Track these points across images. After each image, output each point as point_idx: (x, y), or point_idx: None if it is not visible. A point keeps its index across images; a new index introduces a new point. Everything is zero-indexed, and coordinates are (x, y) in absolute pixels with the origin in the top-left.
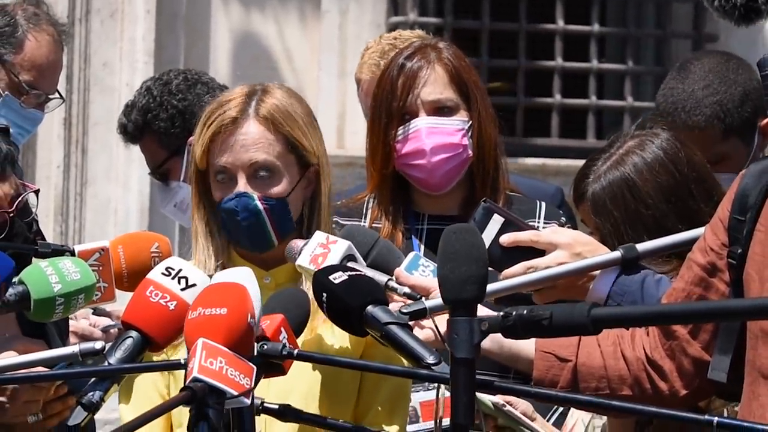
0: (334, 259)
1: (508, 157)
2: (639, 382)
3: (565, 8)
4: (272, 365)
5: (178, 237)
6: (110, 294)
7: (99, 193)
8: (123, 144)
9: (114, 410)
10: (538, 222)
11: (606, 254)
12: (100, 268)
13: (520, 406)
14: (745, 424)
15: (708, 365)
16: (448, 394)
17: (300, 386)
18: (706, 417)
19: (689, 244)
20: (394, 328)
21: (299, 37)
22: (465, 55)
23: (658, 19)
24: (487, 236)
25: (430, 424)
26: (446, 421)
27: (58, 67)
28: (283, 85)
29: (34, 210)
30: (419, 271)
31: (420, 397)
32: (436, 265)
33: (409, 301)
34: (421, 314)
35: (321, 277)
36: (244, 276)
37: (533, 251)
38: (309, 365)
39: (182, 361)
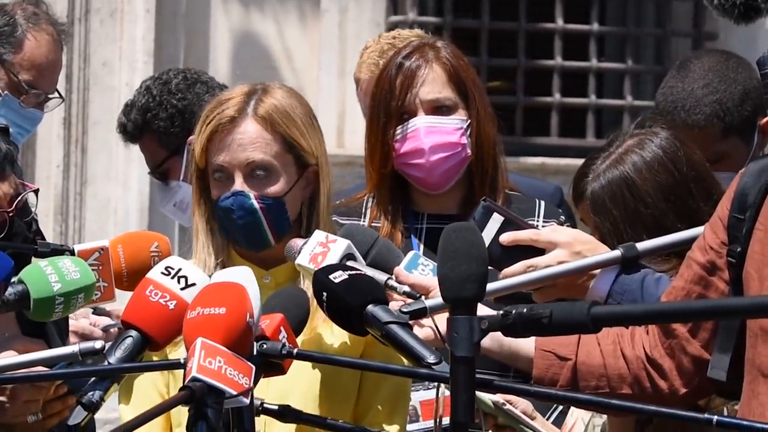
0: (333, 258)
1: (507, 156)
2: (639, 381)
3: (564, 7)
4: (272, 364)
5: (178, 236)
6: (110, 293)
7: (99, 193)
8: (123, 143)
9: (114, 410)
10: (537, 221)
11: (606, 253)
12: (100, 267)
13: (520, 405)
14: (745, 422)
15: (707, 364)
16: (448, 393)
17: (300, 386)
18: (706, 416)
19: (689, 243)
20: (395, 328)
21: (299, 36)
22: (464, 55)
23: (658, 18)
24: (487, 235)
25: (430, 423)
26: (446, 420)
27: (58, 66)
28: (284, 85)
29: (33, 209)
30: (419, 270)
31: (420, 396)
32: (435, 264)
33: (409, 300)
34: (421, 314)
35: (321, 277)
36: (243, 275)
37: (533, 250)
38: (309, 364)
39: (182, 361)
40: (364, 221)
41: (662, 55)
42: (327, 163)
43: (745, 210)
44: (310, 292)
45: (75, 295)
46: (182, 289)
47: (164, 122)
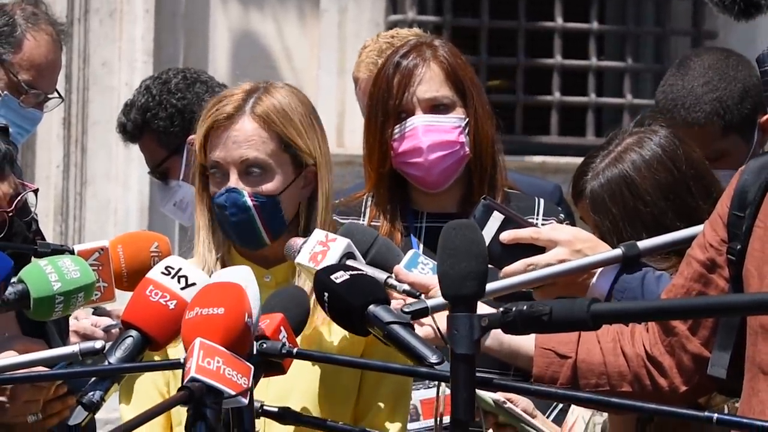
0: (333, 256)
1: (507, 155)
2: (639, 379)
3: (564, 6)
4: (272, 364)
5: (178, 236)
6: (110, 293)
7: (98, 193)
8: (122, 143)
9: (115, 410)
10: (537, 219)
11: (607, 252)
12: (100, 267)
13: (520, 404)
14: (745, 420)
15: (708, 361)
16: (448, 391)
17: (300, 385)
18: (706, 414)
19: (690, 241)
20: (397, 328)
21: (298, 35)
22: (464, 54)
23: (657, 17)
24: (488, 233)
25: (431, 422)
26: (447, 419)
27: (57, 66)
28: (288, 85)
29: (33, 209)
30: (418, 269)
31: (420, 395)
32: (435, 262)
33: (409, 299)
34: (423, 313)
35: (322, 277)
36: (243, 275)
37: (533, 248)
38: (309, 364)
39: (182, 360)
40: (363, 220)
41: (662, 54)
42: (327, 164)
43: (745, 207)
44: (308, 290)
45: (75, 295)
46: (182, 288)
47: (164, 122)
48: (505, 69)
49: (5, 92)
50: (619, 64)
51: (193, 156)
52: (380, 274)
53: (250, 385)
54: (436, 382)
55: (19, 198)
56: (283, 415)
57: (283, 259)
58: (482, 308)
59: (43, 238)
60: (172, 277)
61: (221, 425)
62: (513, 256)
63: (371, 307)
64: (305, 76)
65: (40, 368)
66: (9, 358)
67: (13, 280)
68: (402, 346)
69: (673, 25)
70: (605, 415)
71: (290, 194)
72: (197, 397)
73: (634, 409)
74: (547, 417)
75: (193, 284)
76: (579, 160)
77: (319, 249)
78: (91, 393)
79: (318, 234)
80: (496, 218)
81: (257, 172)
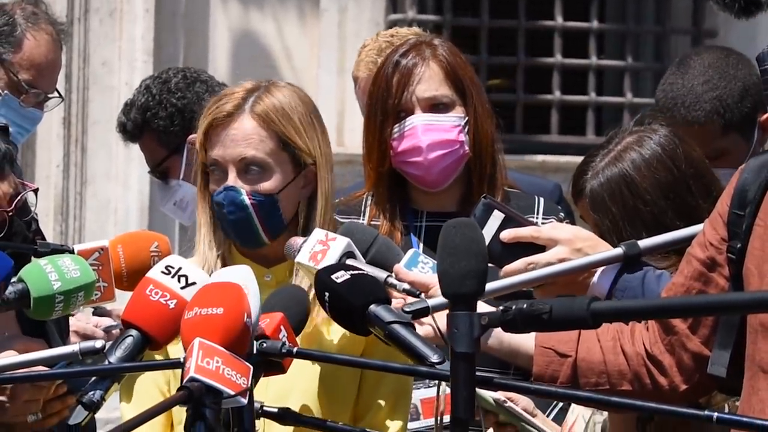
0: (333, 255)
1: (507, 154)
2: (639, 377)
3: (563, 5)
4: (272, 363)
5: (178, 235)
6: (110, 293)
7: (99, 192)
8: (122, 143)
9: (115, 409)
10: (537, 218)
11: (607, 251)
12: (100, 267)
13: (521, 403)
14: (745, 419)
15: (708, 360)
16: (449, 391)
17: (300, 384)
18: (706, 413)
19: (690, 240)
20: (398, 327)
21: (298, 35)
22: (464, 53)
23: (657, 15)
24: (488, 232)
25: (431, 421)
26: (447, 418)
27: (57, 66)
28: (290, 84)
29: (33, 209)
30: (418, 268)
31: (420, 394)
32: (435, 261)
33: (409, 298)
34: (423, 313)
35: (323, 277)
36: (243, 275)
37: (534, 247)
38: (309, 363)
39: (182, 360)
40: (363, 219)
41: (662, 53)
42: (327, 163)
43: (745, 206)
44: (304, 285)
45: (75, 294)
46: (182, 288)
47: (164, 121)
48: (505, 68)
49: (5, 92)
50: (619, 63)
51: (194, 155)
52: (380, 273)
53: (249, 385)
54: (436, 381)
55: (19, 198)
56: (283, 415)
57: (284, 258)
58: (482, 307)
59: (44, 238)
60: (172, 277)
61: (221, 425)
62: (513, 254)
63: (372, 307)
64: (305, 75)
65: (40, 368)
66: (9, 357)
67: (13, 279)
68: (403, 345)
69: (673, 23)
70: (605, 414)
71: (289, 193)
72: (196, 397)
73: (634, 408)
74: (548, 416)
75: (193, 283)
76: (579, 159)
77: (319, 248)
78: (92, 392)
79: (318, 233)
80: (497, 217)
81: (255, 171)
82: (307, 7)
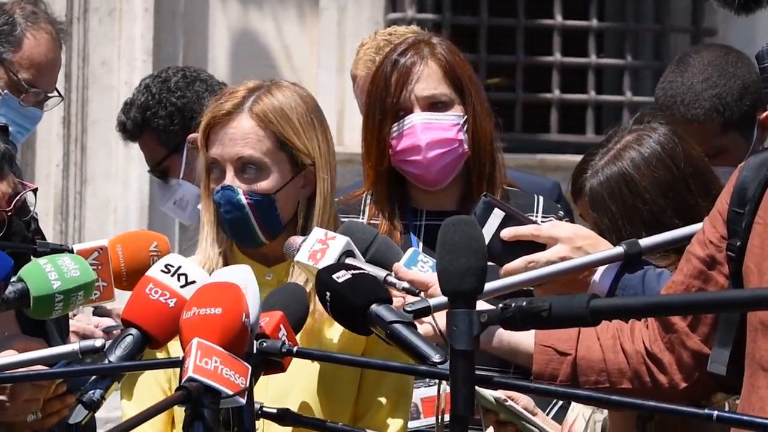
0: (332, 255)
1: (507, 152)
2: (638, 375)
3: (563, 3)
4: (272, 362)
5: (178, 235)
6: (109, 293)
7: (98, 192)
8: (122, 142)
9: (115, 408)
10: (536, 216)
11: (608, 249)
12: (99, 267)
13: (521, 401)
14: (745, 417)
15: (707, 358)
16: (449, 389)
17: (299, 383)
18: (706, 411)
19: (691, 238)
20: (399, 327)
21: (297, 34)
22: (463, 52)
23: (657, 14)
24: (488, 230)
25: (431, 420)
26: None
27: (57, 65)
28: (293, 84)
29: (32, 209)
30: (418, 267)
31: (421, 393)
32: (434, 260)
33: (409, 297)
34: (425, 312)
35: (324, 276)
36: (243, 274)
37: (534, 245)
38: (309, 362)
39: (181, 359)
40: (362, 218)
41: (661, 51)
42: (327, 164)
43: (745, 204)
44: (300, 280)
45: (74, 293)
46: (182, 286)
47: (163, 120)
48: (504, 67)
49: (5, 91)
50: (619, 62)
51: (196, 154)
52: (380, 272)
53: (247, 384)
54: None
55: (18, 197)
56: (283, 416)
57: (285, 257)
58: (482, 306)
59: (43, 238)
60: (172, 275)
61: (219, 425)
62: (513, 253)
63: (373, 307)
64: (305, 74)
65: (40, 367)
66: (9, 356)
67: (13, 279)
68: (405, 345)
69: (673, 22)
70: (606, 412)
71: (287, 193)
72: (195, 397)
73: (634, 406)
74: (548, 414)
75: (193, 282)
76: (578, 157)
77: (318, 247)
78: (91, 391)
79: (317, 232)
80: (497, 215)
81: (253, 171)
82: (307, 6)
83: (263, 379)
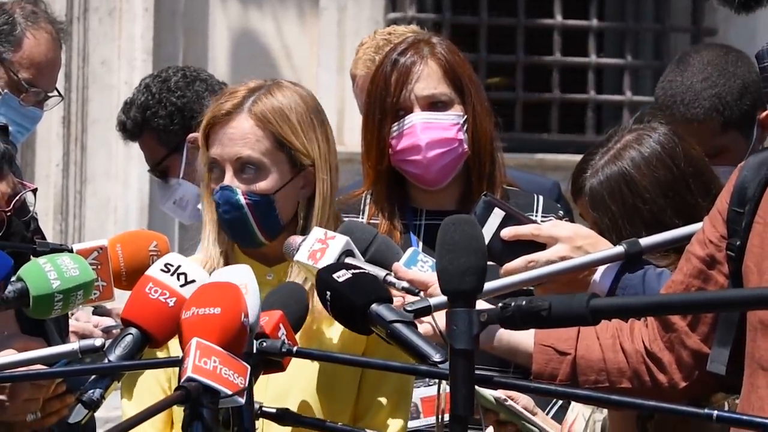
0: (332, 254)
1: (507, 152)
2: (638, 375)
3: (563, 3)
4: (271, 362)
5: (178, 234)
6: (109, 293)
7: (98, 191)
8: (122, 141)
9: (115, 408)
10: (536, 216)
11: (608, 249)
12: (99, 266)
13: (521, 401)
14: (745, 417)
15: (707, 357)
16: (449, 389)
17: (299, 383)
18: (706, 411)
19: (691, 238)
20: (400, 326)
21: (297, 33)
22: (463, 51)
23: (657, 14)
24: (488, 230)
25: (431, 419)
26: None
27: (57, 64)
28: (295, 84)
29: (32, 209)
30: (418, 267)
31: (421, 392)
32: (434, 260)
33: (409, 297)
34: (425, 312)
35: (325, 276)
36: (242, 274)
37: (534, 245)
38: (308, 362)
39: (181, 358)
40: (362, 218)
41: (661, 51)
42: (327, 164)
43: (745, 203)
44: (299, 280)
45: (74, 292)
46: (182, 286)
47: (163, 120)
48: (504, 66)
49: (5, 91)
50: (619, 61)
51: (196, 154)
52: (379, 272)
53: (246, 384)
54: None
55: (17, 197)
56: (282, 416)
57: (286, 257)
58: (482, 305)
59: (43, 237)
60: (172, 275)
61: (218, 425)
62: (514, 252)
63: (374, 306)
64: (305, 74)
65: (40, 366)
66: (8, 356)
67: (13, 278)
68: (405, 344)
69: (673, 21)
70: (605, 412)
71: (286, 194)
72: (194, 397)
73: (633, 406)
74: (547, 414)
75: (193, 281)
76: (578, 157)
77: (318, 247)
78: (91, 391)
79: (317, 232)
80: (497, 215)
81: (251, 171)
82: (307, 5)
83: (263, 379)
